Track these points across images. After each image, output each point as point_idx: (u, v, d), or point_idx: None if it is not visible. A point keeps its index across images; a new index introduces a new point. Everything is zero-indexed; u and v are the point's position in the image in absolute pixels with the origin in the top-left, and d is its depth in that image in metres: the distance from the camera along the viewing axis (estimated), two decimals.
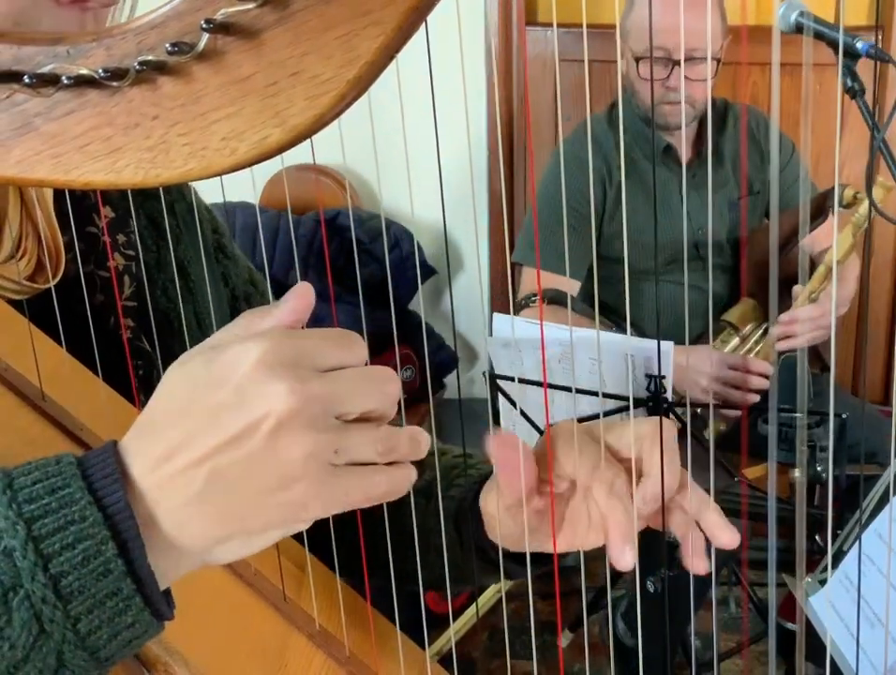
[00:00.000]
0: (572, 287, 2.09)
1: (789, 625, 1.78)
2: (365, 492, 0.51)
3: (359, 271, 0.87)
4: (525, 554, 0.71)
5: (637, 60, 2.08)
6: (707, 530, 0.66)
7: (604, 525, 0.66)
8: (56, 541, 0.48)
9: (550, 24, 2.68)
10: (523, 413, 1.68)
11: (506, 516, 0.70)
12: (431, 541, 0.78)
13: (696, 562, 0.66)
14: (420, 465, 0.84)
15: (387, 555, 0.73)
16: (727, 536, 0.66)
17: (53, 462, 0.50)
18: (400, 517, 0.75)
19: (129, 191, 0.74)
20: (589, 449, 0.66)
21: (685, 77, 2.02)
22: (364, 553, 0.71)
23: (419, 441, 0.54)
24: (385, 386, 0.52)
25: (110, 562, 0.48)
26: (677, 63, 2.02)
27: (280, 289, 0.99)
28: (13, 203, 0.70)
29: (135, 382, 0.70)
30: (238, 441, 0.49)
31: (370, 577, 0.75)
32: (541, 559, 0.73)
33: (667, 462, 0.65)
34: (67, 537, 0.48)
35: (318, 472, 0.49)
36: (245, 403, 0.49)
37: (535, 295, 2.11)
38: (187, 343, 0.75)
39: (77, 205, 0.71)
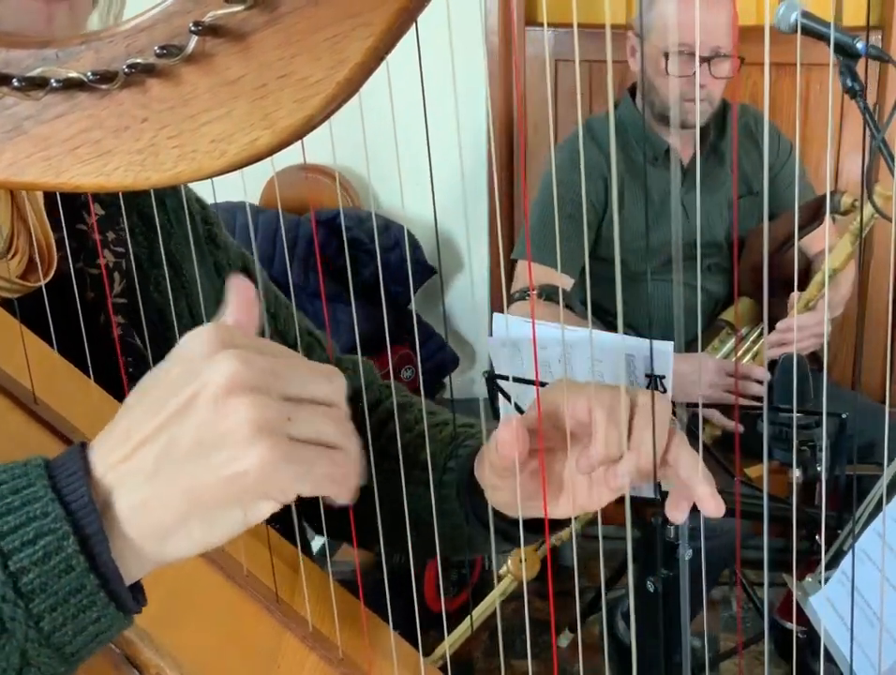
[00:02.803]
0: (567, 283, 2.09)
1: (789, 625, 1.78)
2: (330, 469, 0.50)
3: (359, 271, 0.88)
4: (532, 520, 0.73)
5: (666, 56, 2.08)
6: (695, 498, 0.67)
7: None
8: (17, 538, 0.48)
9: (550, 25, 2.68)
10: (522, 412, 1.67)
11: (501, 484, 0.72)
12: (432, 515, 0.79)
13: (674, 514, 0.68)
14: (419, 437, 0.86)
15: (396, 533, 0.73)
16: (712, 507, 0.67)
17: (21, 464, 0.50)
18: (398, 493, 0.75)
19: None
20: (603, 391, 0.68)
21: (712, 75, 2.03)
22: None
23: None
24: (331, 376, 0.52)
25: (71, 558, 0.48)
26: (703, 60, 2.02)
27: (281, 290, 0.99)
28: (3, 202, 0.70)
29: (126, 378, 0.70)
30: (185, 411, 0.49)
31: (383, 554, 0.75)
32: (550, 524, 0.74)
33: (658, 433, 0.66)
34: (27, 534, 0.48)
35: (271, 437, 0.48)
36: (192, 373, 0.49)
37: (529, 289, 2.11)
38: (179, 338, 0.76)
39: (66, 204, 0.71)
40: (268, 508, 0.50)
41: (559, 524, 0.76)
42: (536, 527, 0.74)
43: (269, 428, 0.48)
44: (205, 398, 0.48)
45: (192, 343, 0.50)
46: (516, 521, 0.73)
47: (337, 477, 0.50)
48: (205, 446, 0.48)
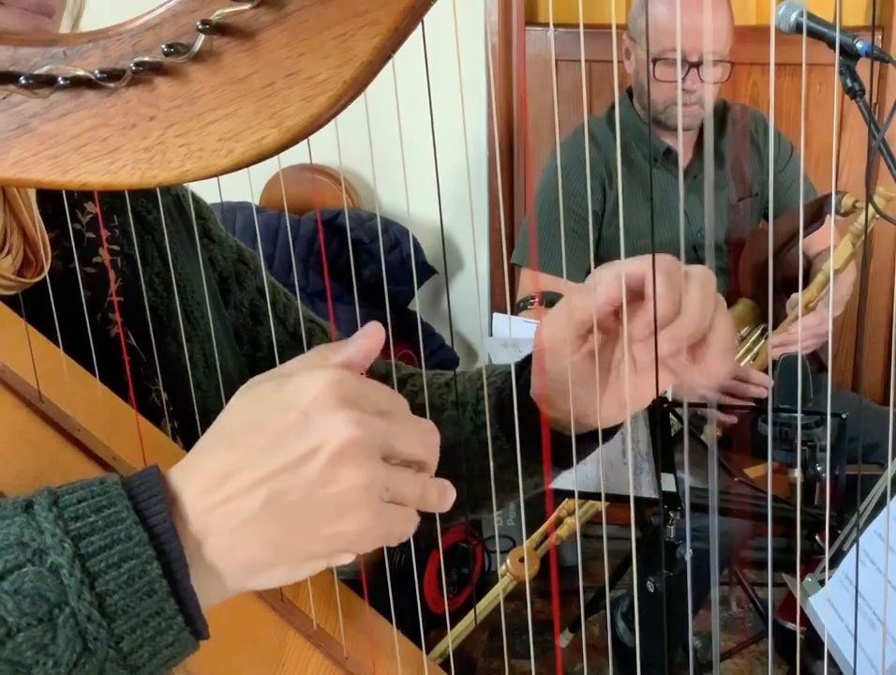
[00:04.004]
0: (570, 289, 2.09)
1: (789, 625, 1.78)
2: (405, 529, 0.53)
3: (360, 271, 0.88)
4: (571, 440, 0.73)
5: (655, 62, 2.08)
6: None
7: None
8: (102, 559, 0.48)
9: (552, 25, 2.67)
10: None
11: (566, 347, 0.71)
12: (471, 450, 0.80)
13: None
14: (446, 386, 0.86)
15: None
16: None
17: (98, 482, 0.51)
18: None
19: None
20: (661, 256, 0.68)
21: (702, 79, 2.03)
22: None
23: (446, 495, 0.55)
24: (429, 436, 0.54)
25: (154, 582, 0.49)
26: (693, 65, 2.02)
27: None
28: None
29: (121, 376, 0.70)
30: (299, 465, 0.50)
31: None
32: (589, 438, 0.75)
33: (706, 307, 0.67)
34: (112, 556, 0.49)
35: (372, 504, 0.50)
36: (309, 427, 0.50)
37: (532, 298, 2.12)
38: (183, 336, 0.76)
39: (61, 202, 0.71)
40: (349, 559, 0.53)
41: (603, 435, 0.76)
42: (581, 439, 0.74)
43: (372, 496, 0.50)
44: (318, 460, 0.50)
45: (308, 390, 0.51)
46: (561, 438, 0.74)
47: (409, 533, 0.53)
48: (309, 505, 0.50)
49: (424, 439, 0.54)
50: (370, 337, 0.55)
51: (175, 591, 0.50)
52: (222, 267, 0.89)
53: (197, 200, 0.90)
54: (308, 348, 0.88)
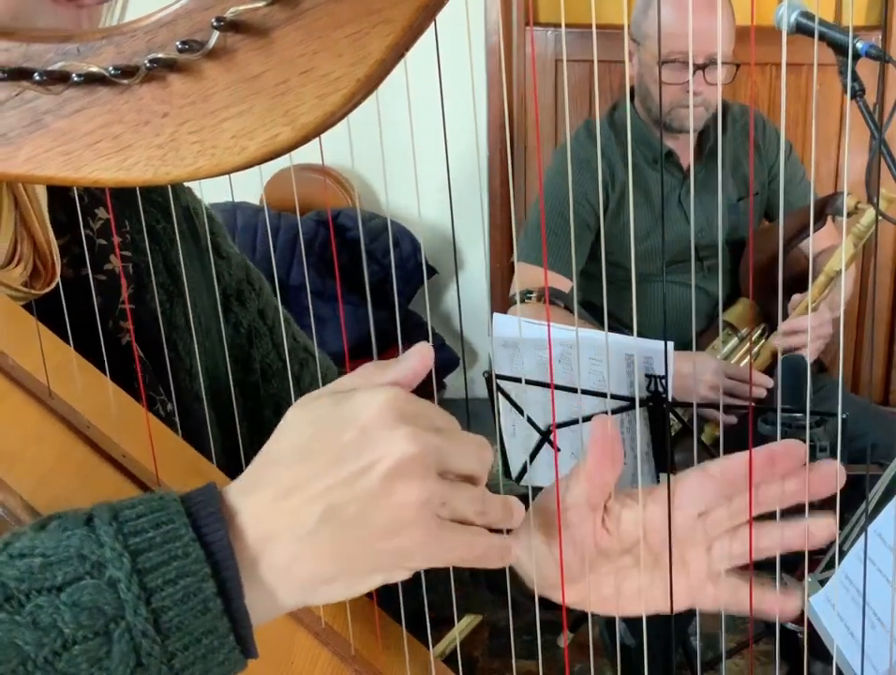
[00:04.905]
0: (565, 285, 2.10)
1: (789, 626, 1.77)
2: (468, 550, 0.53)
3: (359, 271, 0.87)
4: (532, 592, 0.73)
5: (662, 64, 2.08)
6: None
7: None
8: (159, 575, 0.49)
9: (551, 25, 2.68)
10: (522, 412, 1.68)
11: (545, 553, 0.71)
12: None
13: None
14: None
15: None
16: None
17: (157, 498, 0.51)
18: None
19: (122, 195, 0.74)
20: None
21: (707, 81, 2.04)
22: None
23: (511, 509, 0.56)
24: (483, 451, 0.54)
25: (209, 600, 0.49)
26: (699, 67, 2.03)
27: (281, 289, 0.98)
28: (7, 207, 0.68)
29: (134, 384, 0.70)
30: (356, 479, 0.50)
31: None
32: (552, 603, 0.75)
33: None
34: (169, 572, 0.49)
35: (428, 520, 0.51)
36: (368, 442, 0.51)
37: (530, 292, 2.12)
38: (196, 346, 0.76)
39: (72, 209, 0.71)
40: (405, 576, 0.53)
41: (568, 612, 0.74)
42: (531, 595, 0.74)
43: (428, 512, 0.51)
44: (377, 473, 0.50)
45: (366, 407, 0.52)
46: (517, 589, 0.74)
47: (468, 559, 0.53)
48: (367, 519, 0.50)
49: (478, 454, 0.54)
50: (420, 359, 0.55)
51: (229, 610, 0.50)
52: (226, 284, 0.89)
53: (211, 216, 0.90)
54: (299, 379, 0.88)
